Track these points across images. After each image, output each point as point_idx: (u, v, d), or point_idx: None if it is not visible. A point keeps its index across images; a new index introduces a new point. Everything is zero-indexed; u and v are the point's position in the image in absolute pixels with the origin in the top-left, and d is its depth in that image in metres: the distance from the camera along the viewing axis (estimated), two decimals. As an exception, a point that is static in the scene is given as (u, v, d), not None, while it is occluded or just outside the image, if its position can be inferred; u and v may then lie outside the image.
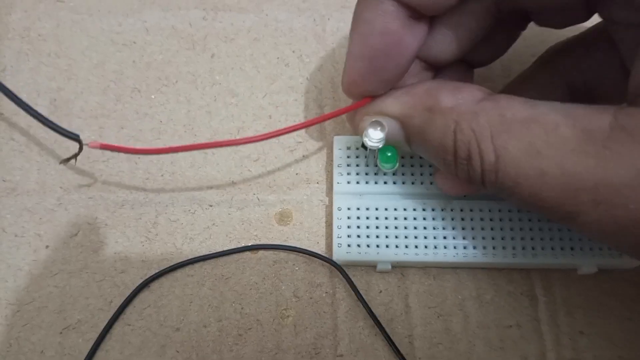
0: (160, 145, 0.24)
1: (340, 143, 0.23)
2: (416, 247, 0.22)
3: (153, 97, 0.24)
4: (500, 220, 0.22)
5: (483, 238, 0.22)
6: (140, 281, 0.21)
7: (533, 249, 0.21)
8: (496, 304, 0.22)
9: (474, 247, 0.22)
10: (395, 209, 0.22)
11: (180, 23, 0.26)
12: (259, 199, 0.23)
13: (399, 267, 0.23)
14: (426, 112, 0.18)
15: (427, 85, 0.18)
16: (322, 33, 0.26)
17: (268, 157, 0.24)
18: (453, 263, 0.22)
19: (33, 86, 0.24)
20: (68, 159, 0.21)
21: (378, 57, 0.18)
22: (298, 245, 0.23)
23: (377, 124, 0.19)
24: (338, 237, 0.22)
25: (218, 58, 0.25)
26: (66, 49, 0.25)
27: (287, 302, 0.22)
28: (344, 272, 0.22)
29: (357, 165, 0.23)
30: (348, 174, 0.23)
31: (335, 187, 0.22)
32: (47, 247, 0.22)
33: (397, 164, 0.21)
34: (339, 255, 0.21)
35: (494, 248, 0.22)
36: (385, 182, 0.23)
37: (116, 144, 0.20)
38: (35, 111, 0.21)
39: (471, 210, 0.22)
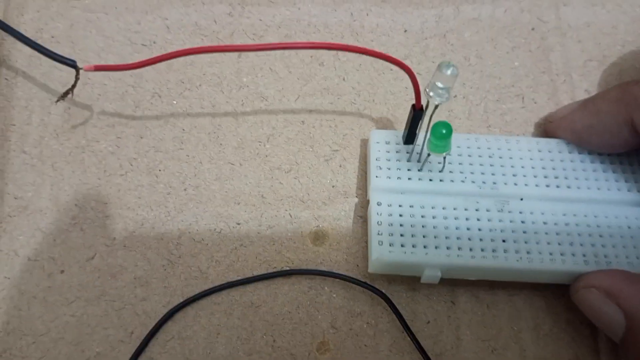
0: (183, 155, 0.21)
1: (378, 137, 0.21)
2: (471, 249, 0.19)
3: (175, 102, 0.22)
4: (566, 224, 0.19)
5: (548, 243, 0.19)
6: (163, 309, 0.19)
7: (595, 256, 0.19)
8: (554, 335, 0.20)
9: (536, 252, 0.19)
10: (443, 208, 0.19)
11: (204, 19, 0.23)
12: (291, 216, 0.21)
13: (448, 293, 0.20)
14: None
15: None
16: (360, 29, 0.23)
17: (301, 167, 0.22)
18: (511, 270, 0.19)
19: (45, 93, 0.22)
20: (66, 93, 0.20)
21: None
22: (335, 270, 0.20)
23: (447, 64, 0.17)
24: (378, 234, 0.19)
25: (246, 58, 0.23)
26: (80, 51, 0.22)
27: (324, 334, 0.19)
28: (388, 299, 0.20)
29: (398, 161, 0.20)
30: (388, 168, 0.20)
31: (373, 181, 0.20)
32: (62, 271, 0.20)
33: (451, 146, 0.18)
34: (380, 254, 0.18)
35: (558, 254, 0.19)
36: (430, 180, 0.20)
37: (111, 64, 0.20)
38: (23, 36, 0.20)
39: (531, 213, 0.20)
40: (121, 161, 0.21)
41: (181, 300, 0.19)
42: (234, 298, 0.20)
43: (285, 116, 0.22)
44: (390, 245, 0.19)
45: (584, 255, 0.19)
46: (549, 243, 0.19)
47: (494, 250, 0.19)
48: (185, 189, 0.21)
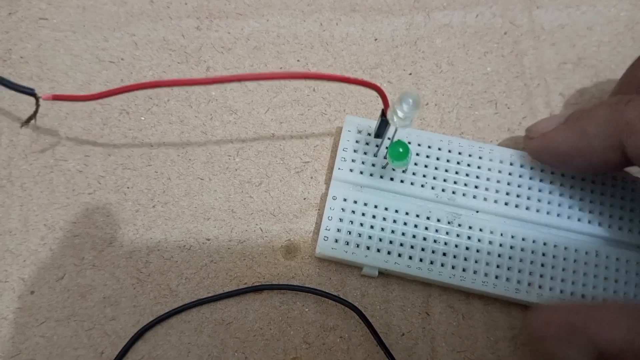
0: (151, 171, 0.21)
1: (351, 124, 0.21)
2: (410, 258, 0.19)
3: (143, 118, 0.22)
4: (511, 247, 0.19)
5: (487, 264, 0.19)
6: (133, 328, 0.19)
7: (529, 285, 0.19)
8: (532, 346, 0.19)
9: (471, 271, 0.19)
10: (396, 211, 0.19)
11: (171, 34, 0.23)
12: (262, 230, 0.21)
13: (423, 306, 0.20)
14: None
15: None
16: (330, 39, 0.23)
17: (272, 180, 0.21)
18: (445, 284, 0.19)
19: (15, 114, 0.22)
20: (28, 120, 0.20)
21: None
22: (307, 283, 0.20)
23: (409, 95, 0.16)
24: (326, 229, 0.19)
25: (214, 71, 0.23)
26: (48, 71, 0.22)
27: (297, 350, 0.19)
28: (361, 312, 0.19)
29: (365, 154, 0.20)
30: (352, 160, 0.20)
31: (335, 172, 0.20)
32: (32, 292, 0.20)
33: (408, 163, 0.18)
34: (322, 249, 0.19)
35: (493, 277, 0.19)
36: (392, 179, 0.20)
37: (69, 94, 0.20)
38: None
39: (480, 230, 0.19)
40: (89, 180, 0.21)
41: (151, 318, 0.19)
42: (204, 315, 0.20)
43: (255, 129, 0.22)
44: (335, 241, 0.19)
45: (518, 282, 0.19)
46: (487, 264, 0.19)
47: (431, 263, 0.19)
48: (154, 206, 0.21)
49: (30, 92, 0.19)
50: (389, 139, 0.19)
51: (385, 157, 0.20)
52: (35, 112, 0.19)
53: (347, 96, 0.23)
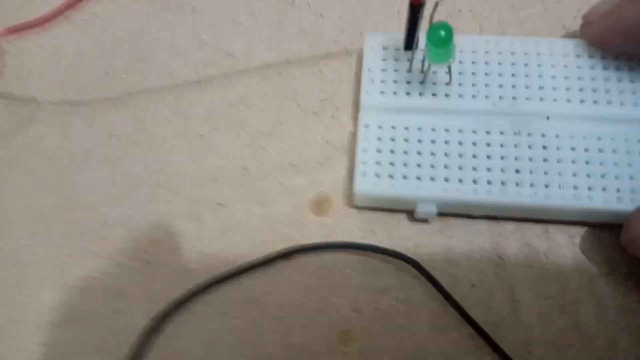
0: (142, 135, 0.18)
1: (374, 41, 0.17)
2: (475, 182, 0.15)
3: (125, 76, 0.19)
4: (600, 151, 0.15)
5: (574, 175, 0.15)
6: (144, 320, 0.16)
7: (633, 192, 0.15)
8: (635, 278, 0.16)
9: (556, 186, 0.15)
10: (446, 130, 0.16)
11: (147, -21, 0.20)
12: (283, 185, 0.17)
13: (494, 248, 0.16)
14: None
15: None
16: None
17: (286, 126, 0.18)
18: (525, 208, 0.15)
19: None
20: None
21: None
22: (347, 239, 0.16)
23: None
24: (363, 163, 0.16)
25: (201, 12, 0.19)
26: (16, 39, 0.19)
27: (346, 321, 0.16)
28: (419, 265, 0.16)
29: (396, 71, 0.17)
30: (382, 81, 0.17)
31: (364, 98, 0.16)
32: (26, 294, 0.17)
33: (454, 52, 0.15)
34: (363, 187, 0.15)
35: (585, 189, 0.15)
36: (434, 95, 0.16)
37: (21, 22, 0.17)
38: None
39: (557, 137, 0.15)
40: (73, 155, 0.18)
41: (165, 306, 0.16)
42: (228, 294, 0.16)
43: (257, 70, 0.19)
44: (376, 176, 0.15)
45: (617, 191, 0.15)
46: (575, 175, 0.15)
47: (502, 183, 0.15)
48: (150, 175, 0.17)
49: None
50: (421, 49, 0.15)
51: (422, 68, 0.16)
52: None
53: (361, 17, 0.19)
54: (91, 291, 0.16)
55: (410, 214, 0.16)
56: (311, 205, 0.17)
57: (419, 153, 0.16)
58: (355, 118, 0.18)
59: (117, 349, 0.16)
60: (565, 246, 0.16)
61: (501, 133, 0.16)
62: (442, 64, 0.15)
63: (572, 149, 0.15)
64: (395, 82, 0.16)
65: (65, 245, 0.17)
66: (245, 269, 0.16)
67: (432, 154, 0.16)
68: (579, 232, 0.16)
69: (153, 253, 0.17)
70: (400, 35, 0.17)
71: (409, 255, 0.16)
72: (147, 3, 0.19)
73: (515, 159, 0.15)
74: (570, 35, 0.18)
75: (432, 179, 0.15)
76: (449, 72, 0.16)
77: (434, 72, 0.16)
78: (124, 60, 0.19)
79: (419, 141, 0.16)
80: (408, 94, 0.16)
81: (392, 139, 0.16)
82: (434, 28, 0.14)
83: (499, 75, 0.16)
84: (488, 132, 0.16)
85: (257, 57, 0.19)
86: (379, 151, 0.16)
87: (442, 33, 0.14)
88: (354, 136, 0.17)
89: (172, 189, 0.17)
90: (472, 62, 0.16)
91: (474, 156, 0.15)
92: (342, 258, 0.16)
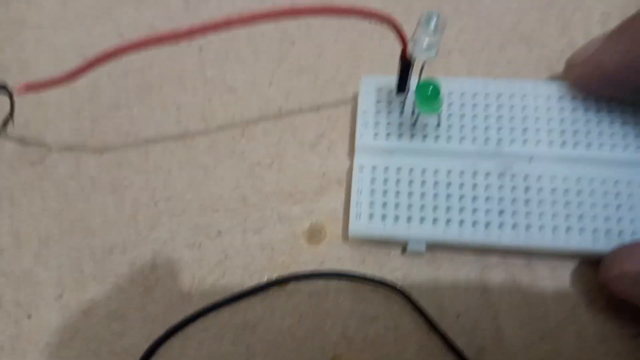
0: (149, 165, 0.19)
1: (368, 83, 0.18)
2: (461, 223, 0.16)
3: (135, 110, 0.20)
4: (578, 192, 0.16)
5: (553, 216, 0.16)
6: (144, 344, 0.17)
7: (607, 232, 0.16)
8: (614, 307, 0.16)
9: (536, 228, 0.16)
10: (436, 171, 0.17)
11: (158, 18, 0.21)
12: (279, 215, 0.18)
13: (479, 279, 0.17)
14: None
15: None
16: (329, -7, 0.21)
17: (284, 159, 0.19)
18: (507, 247, 0.16)
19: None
20: (5, 121, 0.18)
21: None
22: (339, 268, 0.17)
23: (432, 14, 0.14)
24: (357, 205, 0.16)
25: (207, 50, 0.20)
26: (32, 74, 0.20)
27: (336, 347, 0.16)
28: (406, 295, 0.16)
29: (389, 113, 0.17)
30: (376, 123, 0.17)
31: (358, 140, 0.17)
32: (29, 316, 0.17)
33: (442, 106, 0.16)
34: (356, 229, 0.16)
35: (563, 230, 0.16)
36: (424, 137, 0.17)
37: (42, 80, 0.16)
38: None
39: (539, 179, 0.16)
40: (82, 183, 0.19)
41: (163, 330, 0.17)
42: (224, 320, 0.17)
43: (259, 106, 0.20)
44: (369, 217, 0.16)
45: (594, 232, 0.16)
46: (554, 216, 0.16)
47: (487, 225, 0.16)
48: (155, 203, 0.18)
49: (1, 86, 0.17)
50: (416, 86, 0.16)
51: (413, 112, 0.17)
52: (12, 109, 0.17)
53: (357, 57, 0.20)
54: (93, 314, 0.17)
55: (400, 246, 0.17)
56: (306, 235, 0.18)
57: (410, 194, 0.16)
58: (350, 151, 0.18)
59: (116, 370, 0.16)
60: (547, 278, 0.17)
61: (487, 174, 0.16)
62: (432, 114, 0.16)
63: (553, 190, 0.16)
64: (388, 124, 0.17)
65: (68, 269, 0.18)
66: (241, 296, 0.17)
67: (422, 195, 0.16)
68: (560, 264, 0.17)
69: (154, 279, 0.17)
70: (393, 79, 0.18)
71: (398, 285, 0.17)
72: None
73: (499, 200, 0.16)
74: (554, 76, 0.19)
75: (422, 219, 0.16)
76: (438, 117, 0.17)
77: (423, 117, 0.17)
78: (134, 94, 0.20)
79: (410, 182, 0.16)
80: (400, 135, 0.17)
81: (385, 180, 0.17)
82: (422, 86, 0.15)
83: (486, 117, 0.17)
84: (475, 173, 0.16)
85: (259, 93, 0.20)
86: (372, 192, 0.17)
87: (430, 91, 0.15)
88: (348, 169, 0.18)
89: (175, 216, 0.18)
90: (461, 104, 0.17)
91: (461, 197, 0.16)
92: (334, 286, 0.17)
